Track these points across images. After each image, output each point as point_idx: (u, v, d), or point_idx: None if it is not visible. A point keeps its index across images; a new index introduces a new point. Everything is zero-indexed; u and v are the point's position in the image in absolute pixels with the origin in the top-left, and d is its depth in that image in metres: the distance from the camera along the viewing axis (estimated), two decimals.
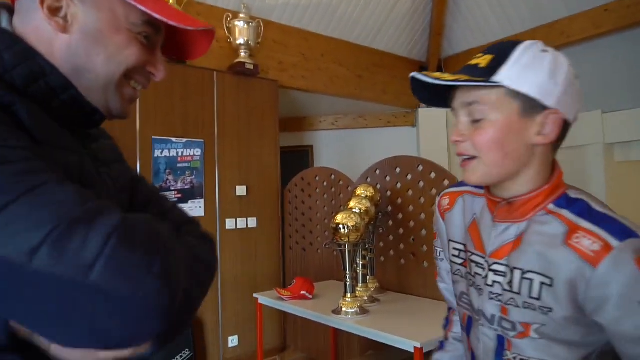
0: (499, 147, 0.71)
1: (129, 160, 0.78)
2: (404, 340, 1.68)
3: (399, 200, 2.51)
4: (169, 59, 0.70)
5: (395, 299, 2.33)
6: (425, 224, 2.38)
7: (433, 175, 2.36)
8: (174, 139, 2.94)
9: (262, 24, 3.29)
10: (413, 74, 0.73)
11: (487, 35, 4.26)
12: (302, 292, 2.37)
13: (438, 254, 1.01)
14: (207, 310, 2.95)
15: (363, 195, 2.38)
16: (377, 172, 2.65)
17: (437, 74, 0.72)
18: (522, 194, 0.75)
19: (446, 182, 2.30)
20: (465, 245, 0.87)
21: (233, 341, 3.05)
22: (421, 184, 2.42)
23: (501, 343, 0.76)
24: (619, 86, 3.74)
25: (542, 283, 0.70)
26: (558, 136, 0.72)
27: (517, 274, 0.74)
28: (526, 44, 0.71)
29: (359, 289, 2.24)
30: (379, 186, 2.60)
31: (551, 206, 0.73)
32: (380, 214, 2.50)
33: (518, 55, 0.70)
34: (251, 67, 3.17)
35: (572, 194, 0.74)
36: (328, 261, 3.01)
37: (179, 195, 2.95)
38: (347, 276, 2.06)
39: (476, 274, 0.82)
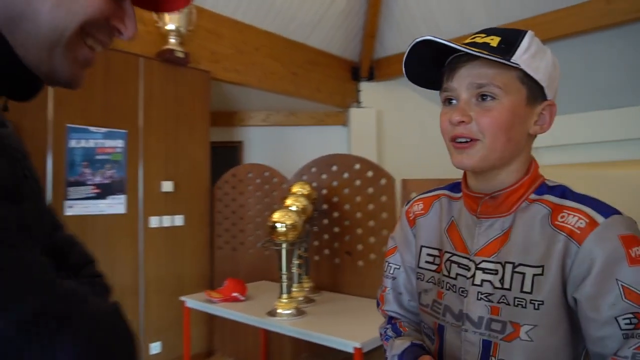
0: (506, 131, 0.69)
1: (38, 151, 0.62)
2: (344, 341, 1.65)
3: (335, 199, 2.49)
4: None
5: (330, 298, 2.30)
6: (361, 223, 2.37)
7: (370, 174, 2.37)
8: (92, 129, 2.68)
9: (194, 11, 3.11)
10: (427, 37, 0.67)
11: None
12: (234, 294, 2.26)
13: (391, 271, 0.93)
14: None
15: (299, 193, 2.32)
16: (313, 169, 2.61)
17: (456, 42, 0.67)
18: (505, 186, 0.74)
19: (383, 181, 2.31)
20: (440, 250, 0.84)
21: (156, 348, 2.85)
22: (358, 182, 2.41)
23: (486, 348, 0.73)
24: None
25: (534, 275, 0.69)
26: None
27: (509, 269, 0.72)
28: (531, 33, 0.72)
29: (294, 290, 2.18)
30: (315, 184, 2.56)
31: (533, 195, 0.74)
32: (316, 212, 2.46)
33: (528, 42, 0.70)
34: (181, 55, 2.98)
35: (550, 183, 0.76)
36: (260, 261, 2.92)
37: (97, 190, 2.70)
38: (284, 276, 1.99)
39: (458, 275, 0.78)
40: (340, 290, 2.44)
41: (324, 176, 2.55)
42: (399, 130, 4.82)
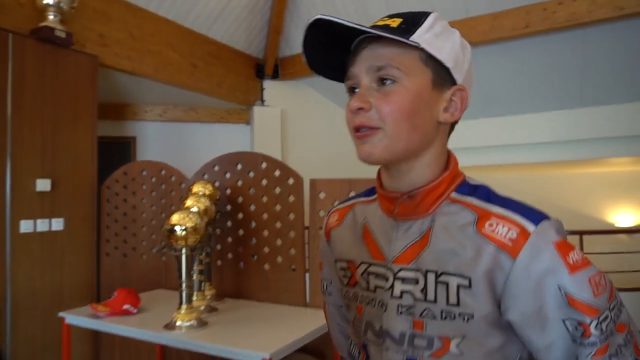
0: (409, 117, 0.62)
1: None
2: (251, 353, 1.52)
3: (240, 199, 2.35)
4: None
5: (235, 306, 2.16)
6: (267, 225, 2.27)
7: (277, 173, 2.27)
8: None
9: None
10: (319, 15, 0.59)
11: None
12: (125, 307, 2.01)
13: (325, 288, 0.88)
14: None
15: (201, 193, 2.14)
16: (216, 168, 2.44)
17: (347, 20, 0.60)
18: (423, 183, 0.67)
19: (291, 181, 2.22)
20: (352, 261, 0.76)
21: None
22: (264, 182, 2.30)
23: None
24: None
25: (459, 285, 0.62)
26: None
27: (431, 278, 0.64)
28: (435, 14, 0.66)
29: (194, 298, 2.00)
30: (217, 183, 2.39)
31: (454, 194, 0.67)
32: (218, 213, 2.29)
33: (431, 22, 0.64)
34: (63, 34, 2.61)
35: (471, 181, 0.70)
36: (154, 267, 2.66)
37: None
38: (183, 285, 1.81)
39: (377, 287, 0.70)
40: (245, 296, 2.30)
41: (227, 175, 2.40)
42: (304, 131, 4.79)
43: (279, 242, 2.24)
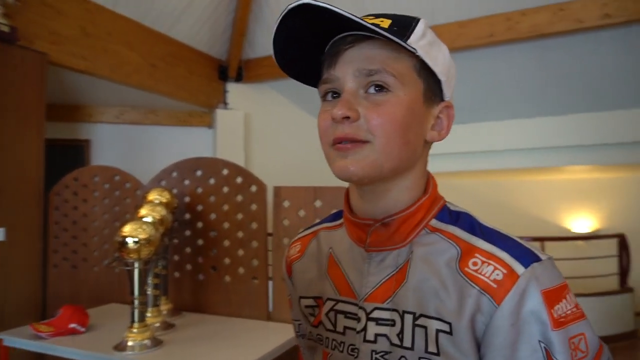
0: (402, 132, 0.54)
1: None
2: None
3: (199, 207, 2.23)
4: None
5: (193, 321, 2.03)
6: (229, 234, 2.16)
7: (239, 180, 2.16)
8: None
9: None
10: (302, 1, 0.49)
11: None
12: (72, 325, 1.85)
13: (297, 329, 0.77)
14: None
15: (157, 202, 2.01)
16: (174, 174, 2.31)
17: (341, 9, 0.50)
18: (399, 209, 0.58)
19: (254, 188, 2.13)
20: (319, 297, 0.67)
21: None
22: (225, 189, 2.19)
23: None
24: None
25: (439, 330, 0.54)
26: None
27: (409, 320, 0.55)
28: (425, 20, 0.58)
29: (149, 315, 1.86)
30: (175, 191, 2.26)
31: (434, 222, 0.59)
32: (176, 222, 2.17)
33: (423, 29, 0.56)
34: (6, 29, 2.41)
35: (452, 207, 0.62)
36: (107, 280, 2.49)
37: None
38: (136, 301, 1.67)
39: (346, 328, 0.61)
40: (204, 310, 2.18)
41: (186, 182, 2.27)
42: (268, 135, 4.68)
43: (240, 252, 2.13)
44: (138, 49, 3.58)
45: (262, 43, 4.46)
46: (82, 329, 1.86)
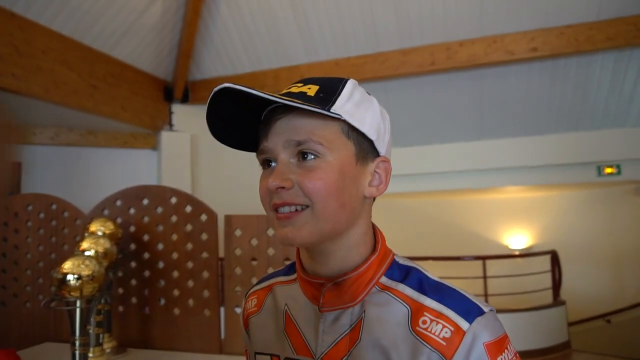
0: (336, 195, 0.56)
1: None
2: None
3: (146, 237, 2.13)
4: None
5: (140, 358, 1.92)
6: (178, 264, 2.07)
7: (189, 208, 2.09)
8: None
9: None
10: (226, 84, 0.52)
11: (235, 66, 4.31)
12: None
13: None
14: None
15: (100, 233, 1.90)
16: (118, 203, 2.20)
17: (262, 92, 0.53)
18: (350, 269, 0.60)
19: (204, 217, 2.06)
20: (277, 356, 0.67)
21: None
22: (174, 218, 2.11)
23: None
24: None
25: None
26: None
27: None
28: (352, 81, 0.62)
29: (91, 355, 1.74)
30: (119, 220, 2.15)
31: (384, 279, 0.61)
32: (121, 254, 2.05)
33: (350, 91, 0.59)
34: None
35: (401, 260, 0.64)
36: (41, 317, 2.30)
37: None
38: (77, 342, 1.56)
39: None
40: (151, 345, 2.06)
41: (132, 210, 2.17)
42: (217, 159, 4.59)
43: (190, 283, 2.05)
44: (77, 68, 3.42)
45: (208, 64, 4.42)
46: None
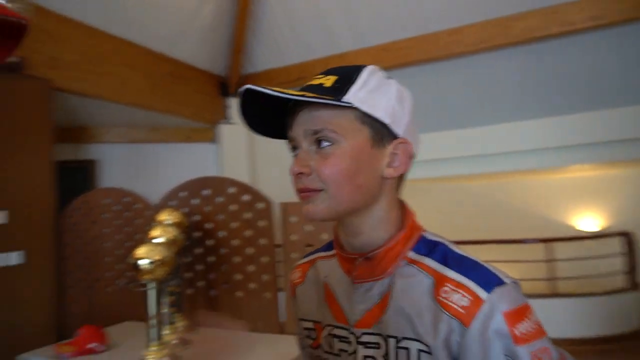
0: (350, 178, 0.62)
1: None
2: None
3: (209, 225, 2.28)
4: None
5: (208, 337, 2.08)
6: (239, 251, 2.21)
7: (246, 197, 2.22)
8: None
9: (32, 9, 2.62)
10: (247, 86, 0.59)
11: (284, 58, 4.40)
12: (91, 345, 1.90)
13: (300, 342, 0.85)
14: None
15: (168, 222, 2.07)
16: (182, 194, 2.37)
17: (278, 88, 0.59)
18: (379, 244, 0.66)
19: (260, 205, 2.18)
20: (318, 322, 0.74)
21: None
22: (233, 207, 2.24)
23: None
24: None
25: (420, 350, 0.61)
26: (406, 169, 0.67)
27: (392, 344, 0.63)
28: (371, 67, 0.66)
29: (165, 333, 1.91)
30: (185, 209, 2.31)
31: (412, 254, 0.66)
32: (188, 241, 2.22)
33: (365, 78, 0.64)
34: (13, 59, 2.49)
35: (429, 236, 0.69)
36: (121, 299, 2.54)
37: None
38: (152, 321, 1.72)
39: (341, 350, 0.69)
40: (218, 324, 2.22)
41: (195, 201, 2.33)
42: (273, 150, 4.71)
43: (251, 268, 2.19)
44: (140, 70, 3.66)
45: (259, 57, 4.54)
46: (102, 348, 1.91)
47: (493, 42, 3.57)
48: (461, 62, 3.82)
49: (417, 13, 3.69)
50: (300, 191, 0.64)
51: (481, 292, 0.58)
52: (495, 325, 0.57)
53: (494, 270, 0.61)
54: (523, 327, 0.58)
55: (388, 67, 3.98)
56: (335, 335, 0.70)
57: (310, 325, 0.75)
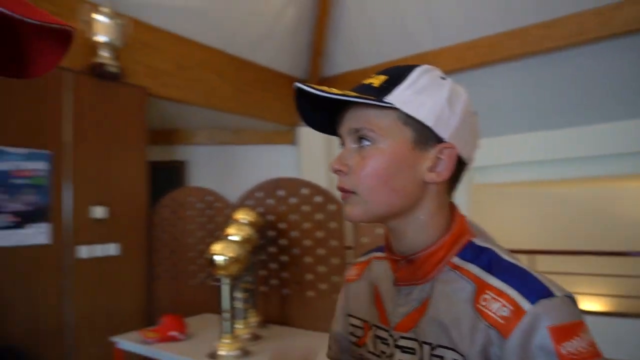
0: (385, 181, 0.60)
1: None
2: None
3: (282, 225, 2.35)
4: None
5: (279, 333, 2.14)
6: (310, 251, 2.24)
7: (318, 199, 2.25)
8: (9, 149, 2.40)
9: (130, 23, 2.90)
10: (297, 84, 0.60)
11: (363, 60, 4.39)
12: (172, 333, 2.05)
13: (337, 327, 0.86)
14: None
15: (243, 221, 2.16)
16: (258, 194, 2.46)
17: (324, 87, 0.59)
18: (422, 247, 0.64)
19: (332, 207, 2.20)
20: (367, 322, 0.74)
21: None
22: (306, 207, 2.29)
23: None
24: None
25: None
26: (452, 175, 0.63)
27: (426, 350, 0.61)
28: (423, 67, 0.63)
29: (238, 326, 2.00)
30: (260, 209, 2.40)
31: (456, 259, 0.63)
32: (262, 240, 2.30)
33: (415, 78, 0.61)
34: (115, 70, 2.76)
35: (478, 242, 0.64)
36: (201, 291, 2.71)
37: (16, 219, 2.41)
38: (226, 314, 1.82)
39: (382, 352, 0.68)
40: (289, 323, 2.28)
41: (270, 201, 2.41)
42: None
43: (322, 268, 2.21)
44: (226, 76, 3.86)
45: (338, 60, 4.58)
46: (181, 337, 2.05)
47: (589, 35, 3.27)
48: (553, 58, 3.55)
49: (503, 8, 3.49)
50: (339, 189, 0.64)
51: (524, 303, 0.54)
52: (538, 340, 0.52)
53: (544, 281, 0.56)
54: (572, 346, 0.52)
55: (471, 66, 3.81)
56: (378, 336, 0.69)
57: (358, 323, 0.75)
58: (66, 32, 0.42)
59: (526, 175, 4.39)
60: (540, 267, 3.87)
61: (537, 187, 6.35)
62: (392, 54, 4.19)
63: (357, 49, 4.38)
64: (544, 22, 3.43)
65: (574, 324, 0.53)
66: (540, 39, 3.45)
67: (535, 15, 3.45)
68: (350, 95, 0.59)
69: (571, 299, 0.55)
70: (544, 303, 0.53)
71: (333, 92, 0.58)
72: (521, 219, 5.65)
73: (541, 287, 0.55)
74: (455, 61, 3.87)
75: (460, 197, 3.53)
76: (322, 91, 0.58)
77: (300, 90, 0.60)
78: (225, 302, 1.82)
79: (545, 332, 0.52)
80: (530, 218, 6.11)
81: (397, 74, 0.62)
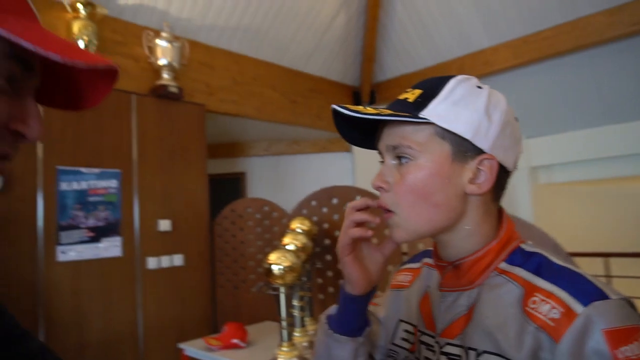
0: (426, 197, 0.60)
1: (27, 194, 0.54)
2: None
3: (337, 233, 2.36)
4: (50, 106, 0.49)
5: None
6: None
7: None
8: (84, 170, 2.60)
9: (187, 45, 3.06)
10: (333, 106, 0.62)
11: (416, 63, 4.33)
12: (234, 341, 2.12)
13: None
14: None
15: (299, 230, 2.20)
16: (313, 203, 2.49)
17: (360, 107, 0.60)
18: (468, 254, 0.62)
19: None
20: (416, 326, 0.73)
21: None
22: None
23: None
24: (540, 113, 3.91)
25: None
26: (494, 185, 0.61)
27: (472, 356, 0.59)
28: (458, 78, 0.62)
29: (296, 334, 2.04)
30: (315, 218, 2.43)
31: (503, 265, 0.62)
32: (317, 248, 2.33)
33: (449, 90, 0.61)
34: (175, 90, 2.92)
35: (527, 247, 0.63)
36: (262, 300, 2.78)
37: (91, 234, 2.60)
38: (283, 322, 1.85)
39: (427, 358, 0.68)
40: None
41: (324, 209, 2.43)
42: None
43: None
44: (279, 88, 3.96)
45: (390, 65, 4.55)
46: (243, 344, 2.11)
47: None
48: (619, 47, 3.31)
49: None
50: (379, 207, 0.65)
51: (575, 305, 0.52)
52: (593, 345, 0.49)
53: (597, 284, 0.53)
54: (629, 351, 0.48)
55: (530, 61, 3.64)
56: (422, 342, 0.69)
57: (410, 328, 0.75)
58: (113, 70, 0.46)
59: (598, 173, 4.09)
60: (615, 270, 3.59)
61: (611, 185, 5.91)
62: (447, 55, 4.10)
63: (409, 52, 4.33)
64: (608, 9, 3.21)
65: (632, 328, 0.50)
66: (605, 28, 3.22)
67: (601, 2, 3.23)
68: (385, 114, 0.59)
69: (629, 302, 0.52)
70: (597, 305, 0.51)
71: (367, 112, 0.59)
72: (592, 219, 5.27)
73: (594, 289, 0.53)
74: (513, 57, 3.72)
75: (524, 197, 3.36)
76: (357, 112, 0.59)
77: (336, 111, 0.62)
78: (283, 311, 1.85)
79: (600, 336, 0.49)
80: (604, 218, 5.68)
81: (431, 87, 0.62)
